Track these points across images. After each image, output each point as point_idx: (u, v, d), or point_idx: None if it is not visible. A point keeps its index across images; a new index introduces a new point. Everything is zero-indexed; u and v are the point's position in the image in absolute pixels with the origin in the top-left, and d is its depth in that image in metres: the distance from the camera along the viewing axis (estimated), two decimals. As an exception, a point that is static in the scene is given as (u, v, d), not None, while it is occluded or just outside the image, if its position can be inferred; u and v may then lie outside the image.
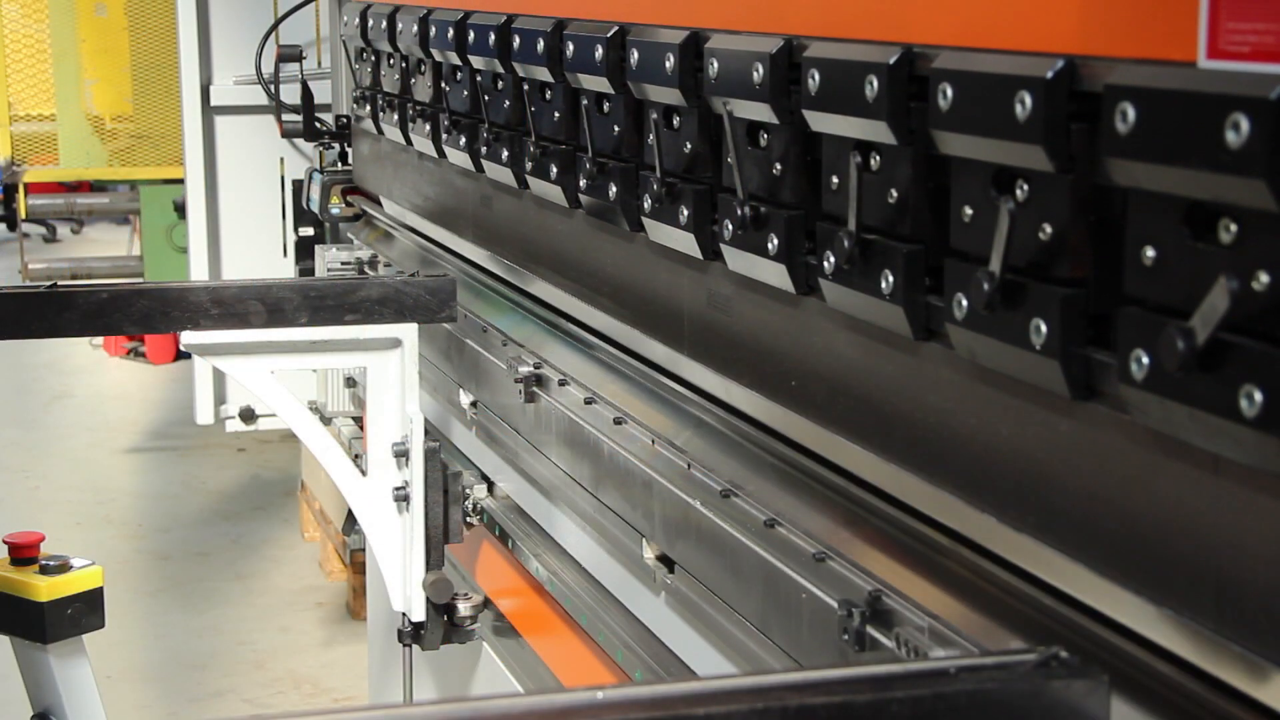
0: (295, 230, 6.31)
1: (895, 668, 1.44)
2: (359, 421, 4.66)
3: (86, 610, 3.02)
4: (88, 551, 3.55)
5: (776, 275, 1.93)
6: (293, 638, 5.78)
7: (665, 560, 2.33)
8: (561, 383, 2.77)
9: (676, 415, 2.42)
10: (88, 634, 3.01)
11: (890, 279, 1.67)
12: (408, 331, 2.90)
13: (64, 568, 3.00)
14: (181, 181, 6.73)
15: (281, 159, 6.44)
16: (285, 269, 6.39)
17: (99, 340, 10.04)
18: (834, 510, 1.98)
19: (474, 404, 3.23)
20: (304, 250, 6.20)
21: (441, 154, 3.28)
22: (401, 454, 2.92)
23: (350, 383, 4.42)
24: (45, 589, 2.96)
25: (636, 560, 2.39)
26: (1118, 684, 1.44)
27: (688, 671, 2.26)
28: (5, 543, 3.07)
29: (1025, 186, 1.47)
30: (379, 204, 4.24)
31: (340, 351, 2.94)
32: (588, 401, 2.65)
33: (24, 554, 3.01)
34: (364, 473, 2.99)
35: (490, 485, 3.16)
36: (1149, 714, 1.43)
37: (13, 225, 10.89)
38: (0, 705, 4.80)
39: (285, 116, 5.65)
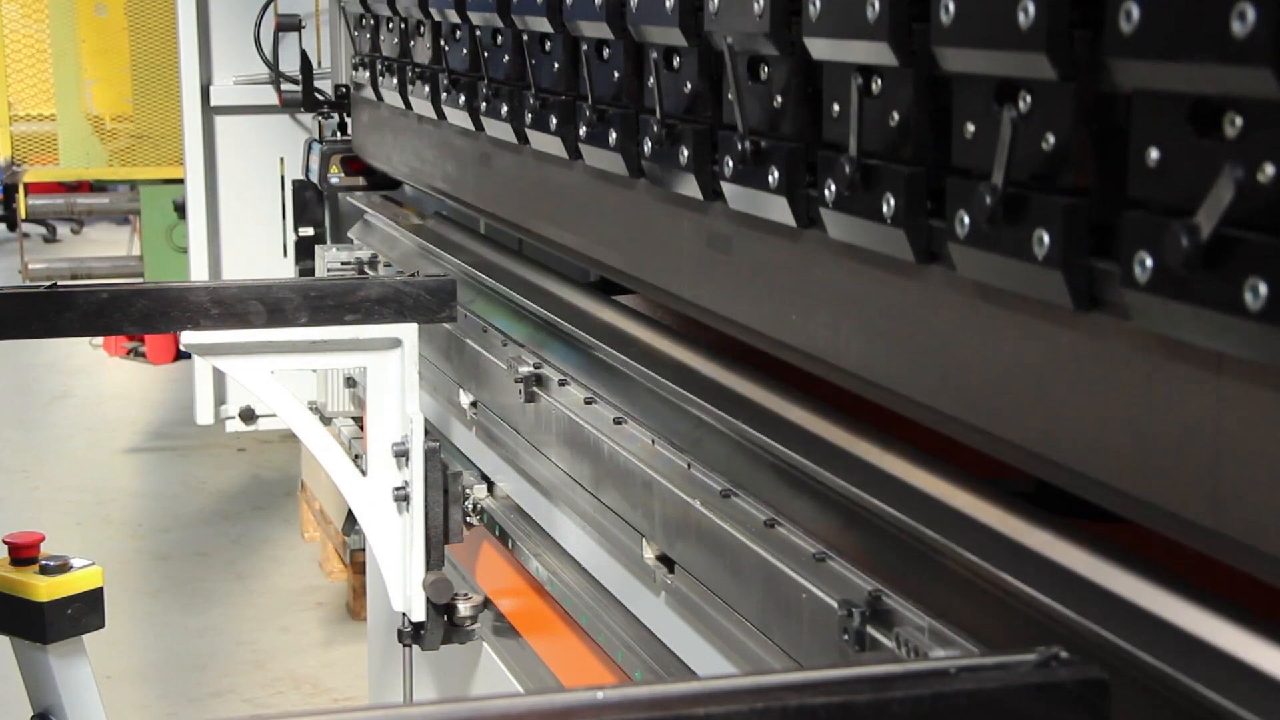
0: (295, 230, 6.31)
1: (895, 668, 1.44)
2: (359, 421, 4.66)
3: (86, 610, 3.02)
4: (88, 551, 3.55)
5: (777, 209, 1.92)
6: (293, 638, 5.78)
7: (665, 560, 2.33)
8: (561, 383, 2.77)
9: (676, 415, 2.42)
10: (88, 634, 3.01)
11: (892, 203, 1.67)
12: (408, 331, 2.90)
13: (64, 568, 3.00)
14: (181, 181, 6.73)
15: (281, 159, 6.44)
16: (285, 269, 6.38)
17: (99, 340, 10.04)
18: (834, 510, 1.98)
19: (474, 404, 3.23)
20: (304, 250, 6.20)
21: (441, 115, 3.27)
22: (401, 454, 2.92)
23: (350, 383, 4.42)
24: (45, 589, 2.96)
25: (636, 560, 2.39)
26: (1118, 684, 1.44)
27: (688, 671, 2.26)
28: (5, 543, 3.07)
29: (1028, 98, 1.46)
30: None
31: (340, 351, 2.94)
32: (588, 401, 2.65)
33: (24, 554, 3.01)
34: (364, 473, 2.99)
35: (490, 485, 3.16)
36: (1149, 714, 1.43)
37: (13, 225, 10.89)
38: (0, 705, 4.81)
39: (284, 87, 5.65)
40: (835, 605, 1.82)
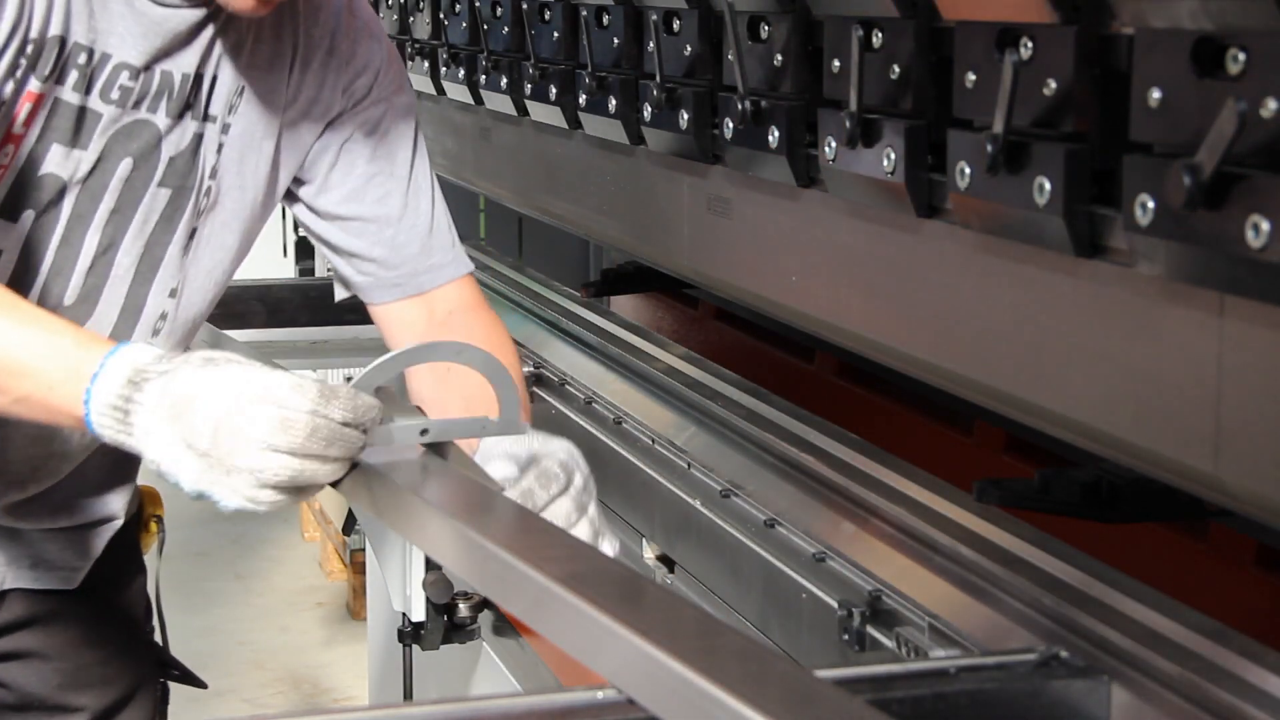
0: (295, 230, 6.30)
1: (895, 667, 1.44)
2: (359, 421, 4.64)
3: (86, 610, 3.00)
4: (88, 551, 3.54)
5: (777, 169, 1.91)
6: (293, 638, 5.78)
7: (665, 560, 2.33)
8: (561, 383, 2.77)
9: (677, 415, 2.42)
10: (88, 634, 3.00)
11: (892, 156, 1.66)
12: (408, 331, 2.89)
13: (64, 568, 2.98)
14: (181, 181, 6.71)
15: (281, 159, 6.43)
16: (285, 269, 6.38)
17: (99, 340, 10.02)
18: (834, 510, 1.98)
19: (474, 404, 3.22)
20: (304, 250, 6.20)
21: (440, 90, 3.27)
22: (401, 454, 2.92)
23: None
24: (45, 589, 2.95)
25: (636, 560, 2.39)
26: (1119, 683, 1.44)
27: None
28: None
29: (1029, 44, 1.46)
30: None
31: (340, 352, 2.94)
32: (588, 402, 2.66)
33: (24, 554, 3.01)
34: (364, 473, 2.98)
35: (490, 485, 3.16)
36: (1149, 714, 1.44)
37: (13, 225, 10.87)
38: None
39: None
40: (835, 605, 1.82)
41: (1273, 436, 1.25)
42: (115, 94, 1.82)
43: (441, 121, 3.46)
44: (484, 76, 2.95)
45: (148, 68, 1.83)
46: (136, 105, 1.85)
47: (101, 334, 1.88)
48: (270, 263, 6.40)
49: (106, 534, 2.24)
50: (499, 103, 2.91)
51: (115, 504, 2.24)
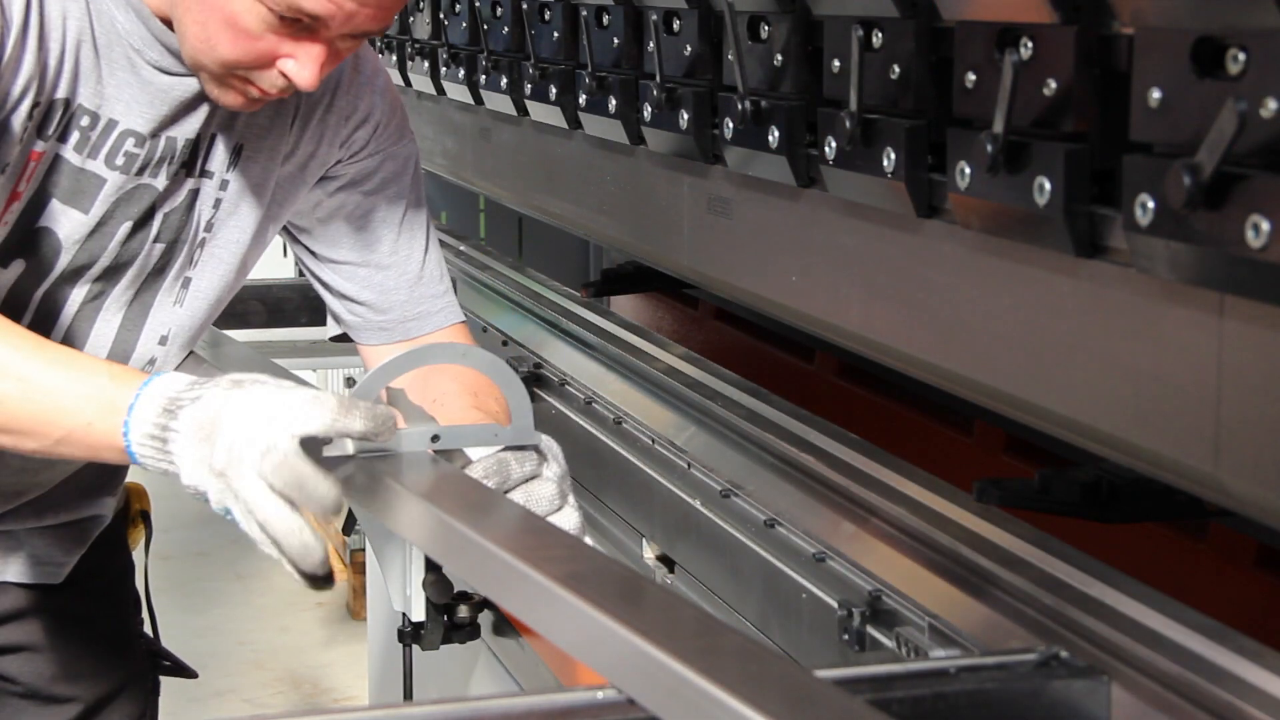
0: (295, 230, 6.28)
1: (895, 667, 1.44)
2: (359, 421, 4.64)
3: (86, 610, 3.00)
4: (88, 551, 3.54)
5: (777, 169, 1.92)
6: (293, 638, 5.78)
7: (665, 560, 2.33)
8: (561, 383, 2.77)
9: (677, 415, 2.42)
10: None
11: (892, 156, 1.66)
12: (408, 331, 2.89)
13: (64, 568, 2.98)
14: (181, 181, 6.70)
15: (281, 159, 6.42)
16: (285, 269, 6.37)
17: (99, 340, 10.02)
18: (834, 510, 1.98)
19: (474, 404, 3.22)
20: (304, 250, 6.17)
21: (440, 90, 3.28)
22: (401, 454, 2.91)
23: (350, 383, 4.42)
24: (45, 589, 2.95)
25: (636, 560, 2.39)
26: (1119, 683, 1.44)
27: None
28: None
29: (1029, 44, 1.46)
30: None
31: (340, 352, 2.94)
32: (588, 402, 2.66)
33: (24, 554, 3.00)
34: (364, 473, 2.98)
35: (490, 485, 3.15)
36: (1149, 714, 1.44)
37: (13, 225, 10.87)
38: None
39: None
40: (835, 605, 1.82)
41: (1273, 436, 1.25)
42: (120, 160, 1.83)
43: (441, 121, 3.46)
44: (484, 76, 2.95)
45: (154, 135, 1.84)
46: (140, 171, 1.85)
47: None
48: (270, 263, 6.39)
49: (93, 531, 2.26)
50: (499, 103, 2.91)
51: (103, 504, 2.25)
